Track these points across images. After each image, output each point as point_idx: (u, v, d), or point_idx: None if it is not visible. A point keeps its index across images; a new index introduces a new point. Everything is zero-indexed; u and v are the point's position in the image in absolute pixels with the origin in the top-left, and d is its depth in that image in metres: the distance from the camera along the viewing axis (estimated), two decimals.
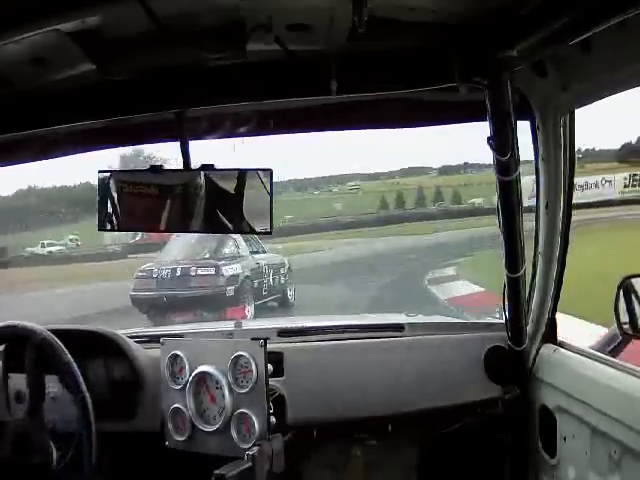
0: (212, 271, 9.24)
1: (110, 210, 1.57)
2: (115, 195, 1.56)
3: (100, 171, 1.58)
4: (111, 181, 1.56)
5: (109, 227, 1.57)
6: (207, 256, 9.67)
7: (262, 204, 1.48)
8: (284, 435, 1.90)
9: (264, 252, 10.84)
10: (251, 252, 10.26)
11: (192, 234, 8.14)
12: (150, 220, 1.55)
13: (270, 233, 1.50)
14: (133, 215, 1.57)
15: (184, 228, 1.56)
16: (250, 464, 1.71)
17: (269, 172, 1.46)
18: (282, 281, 10.76)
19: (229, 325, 2.42)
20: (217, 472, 1.65)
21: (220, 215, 1.50)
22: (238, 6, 1.26)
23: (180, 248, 9.61)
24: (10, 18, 1.10)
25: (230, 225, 1.50)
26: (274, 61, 1.47)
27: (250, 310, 9.41)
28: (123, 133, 1.80)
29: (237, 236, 9.67)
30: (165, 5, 1.22)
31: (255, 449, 1.74)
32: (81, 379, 1.79)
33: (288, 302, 10.78)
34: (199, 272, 9.24)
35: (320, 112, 1.75)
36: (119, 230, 1.58)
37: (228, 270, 9.39)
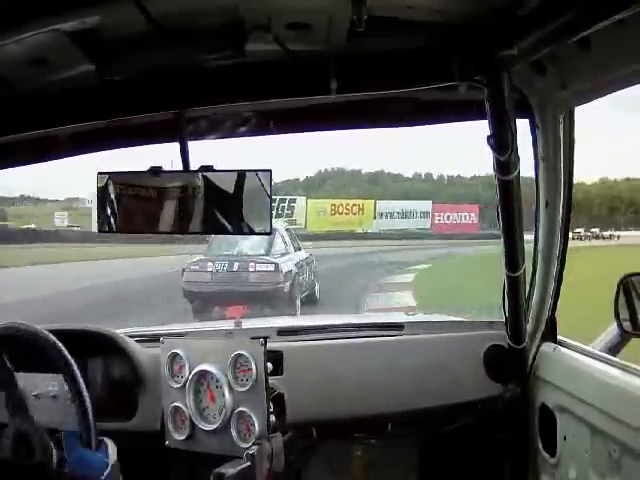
0: (272, 267, 9.44)
1: (109, 212, 1.56)
2: (114, 197, 1.56)
3: (99, 173, 1.57)
4: (110, 183, 1.56)
5: (108, 229, 1.57)
6: (262, 252, 9.82)
7: (261, 205, 1.48)
8: (284, 434, 1.90)
9: (300, 249, 11.12)
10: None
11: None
12: (149, 221, 1.55)
13: (270, 233, 1.51)
14: (132, 217, 1.56)
15: (183, 229, 1.56)
16: (249, 463, 1.71)
17: (269, 173, 1.46)
18: (312, 277, 10.99)
19: (229, 324, 2.43)
20: (216, 471, 1.65)
21: (219, 216, 1.50)
22: (237, 6, 1.25)
23: (231, 244, 9.80)
24: (9, 18, 1.10)
25: (229, 226, 1.50)
26: (273, 61, 1.47)
27: (298, 306, 9.60)
28: (122, 134, 1.79)
29: (283, 232, 10.53)
30: (164, 5, 1.22)
31: (255, 448, 1.74)
32: (81, 378, 1.79)
33: (315, 298, 10.88)
34: (258, 268, 9.42)
35: (320, 112, 1.75)
36: (118, 232, 1.58)
37: (284, 267, 9.60)
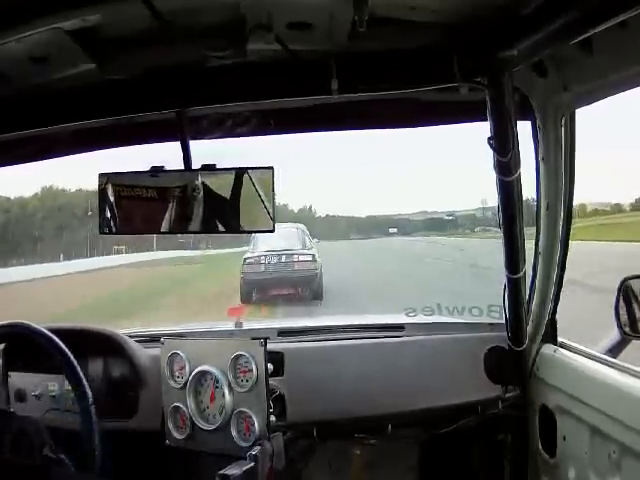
0: (310, 258, 12.11)
1: (110, 213, 1.56)
2: (115, 197, 1.56)
3: (101, 174, 1.57)
4: (111, 183, 1.56)
5: (108, 230, 1.56)
6: (300, 246, 12.44)
7: (264, 202, 1.47)
8: (284, 434, 1.90)
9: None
10: None
11: (281, 232, 11.37)
12: (151, 221, 1.55)
13: (272, 231, 1.51)
14: (134, 217, 1.57)
15: (185, 229, 1.56)
16: (253, 464, 1.71)
17: (270, 170, 1.46)
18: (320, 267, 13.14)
19: (229, 325, 2.43)
20: (221, 472, 1.64)
21: (221, 214, 1.50)
22: (239, 4, 1.26)
23: (276, 241, 11.90)
24: (11, 17, 1.10)
25: (232, 224, 1.50)
26: (275, 60, 1.47)
27: (323, 287, 12.28)
28: (123, 133, 1.79)
29: (305, 230, 13.19)
30: (165, 4, 1.22)
31: (257, 448, 1.74)
32: (83, 378, 1.79)
33: (323, 284, 12.89)
34: (301, 258, 12.06)
35: (320, 112, 1.74)
36: (119, 233, 1.58)
37: (317, 257, 12.30)
